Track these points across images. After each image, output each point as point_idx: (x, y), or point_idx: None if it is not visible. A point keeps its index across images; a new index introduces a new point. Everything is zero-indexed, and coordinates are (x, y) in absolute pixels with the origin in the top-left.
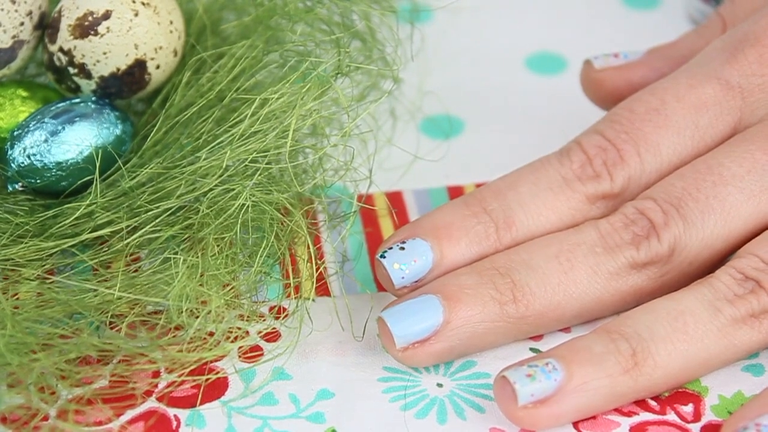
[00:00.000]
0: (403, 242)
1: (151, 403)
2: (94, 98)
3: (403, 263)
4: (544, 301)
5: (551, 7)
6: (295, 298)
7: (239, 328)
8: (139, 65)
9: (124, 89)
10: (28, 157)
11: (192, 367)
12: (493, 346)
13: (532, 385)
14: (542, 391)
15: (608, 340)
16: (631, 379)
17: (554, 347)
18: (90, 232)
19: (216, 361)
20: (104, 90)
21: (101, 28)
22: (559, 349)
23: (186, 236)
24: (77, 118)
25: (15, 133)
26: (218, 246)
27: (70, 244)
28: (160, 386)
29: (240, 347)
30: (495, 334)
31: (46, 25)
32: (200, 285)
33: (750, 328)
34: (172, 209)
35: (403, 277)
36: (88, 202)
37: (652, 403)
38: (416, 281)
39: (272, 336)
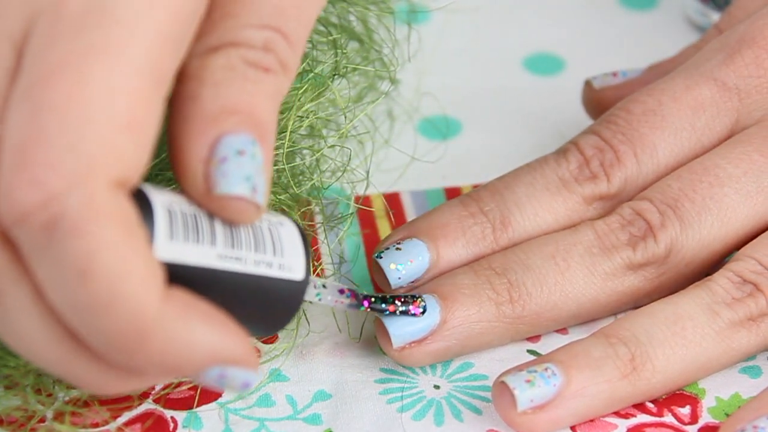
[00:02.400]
0: (400, 242)
1: (148, 405)
2: None
3: (400, 263)
4: (541, 301)
5: (549, 8)
6: None
7: None
8: None
9: None
10: None
11: None
12: (490, 346)
13: (532, 390)
14: (541, 397)
15: (607, 345)
16: (630, 383)
17: (553, 351)
18: None
19: None
20: None
21: None
22: (557, 354)
23: None
24: None
25: None
26: None
27: None
28: (157, 388)
29: None
30: (492, 334)
31: None
32: None
33: (748, 331)
34: None
35: (399, 278)
36: None
37: (650, 405)
38: (413, 282)
39: (269, 338)
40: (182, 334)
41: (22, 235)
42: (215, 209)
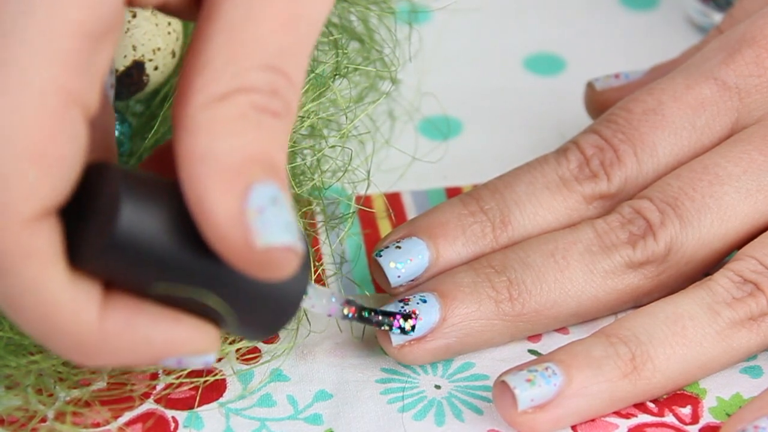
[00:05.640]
0: (400, 241)
1: (149, 405)
2: None
3: (400, 262)
4: (540, 299)
5: (549, 8)
6: None
7: None
8: (137, 66)
9: (123, 90)
10: None
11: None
12: (490, 344)
13: (532, 389)
14: (542, 396)
15: (607, 344)
16: (630, 383)
17: (553, 351)
18: None
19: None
20: None
21: None
22: (558, 353)
23: None
24: None
25: None
26: None
27: None
28: (158, 388)
29: (238, 349)
30: (491, 331)
31: None
32: None
33: (748, 331)
34: None
35: (399, 276)
36: None
37: (651, 405)
38: (412, 280)
39: (270, 338)
40: (128, 342)
41: None
42: (257, 264)
